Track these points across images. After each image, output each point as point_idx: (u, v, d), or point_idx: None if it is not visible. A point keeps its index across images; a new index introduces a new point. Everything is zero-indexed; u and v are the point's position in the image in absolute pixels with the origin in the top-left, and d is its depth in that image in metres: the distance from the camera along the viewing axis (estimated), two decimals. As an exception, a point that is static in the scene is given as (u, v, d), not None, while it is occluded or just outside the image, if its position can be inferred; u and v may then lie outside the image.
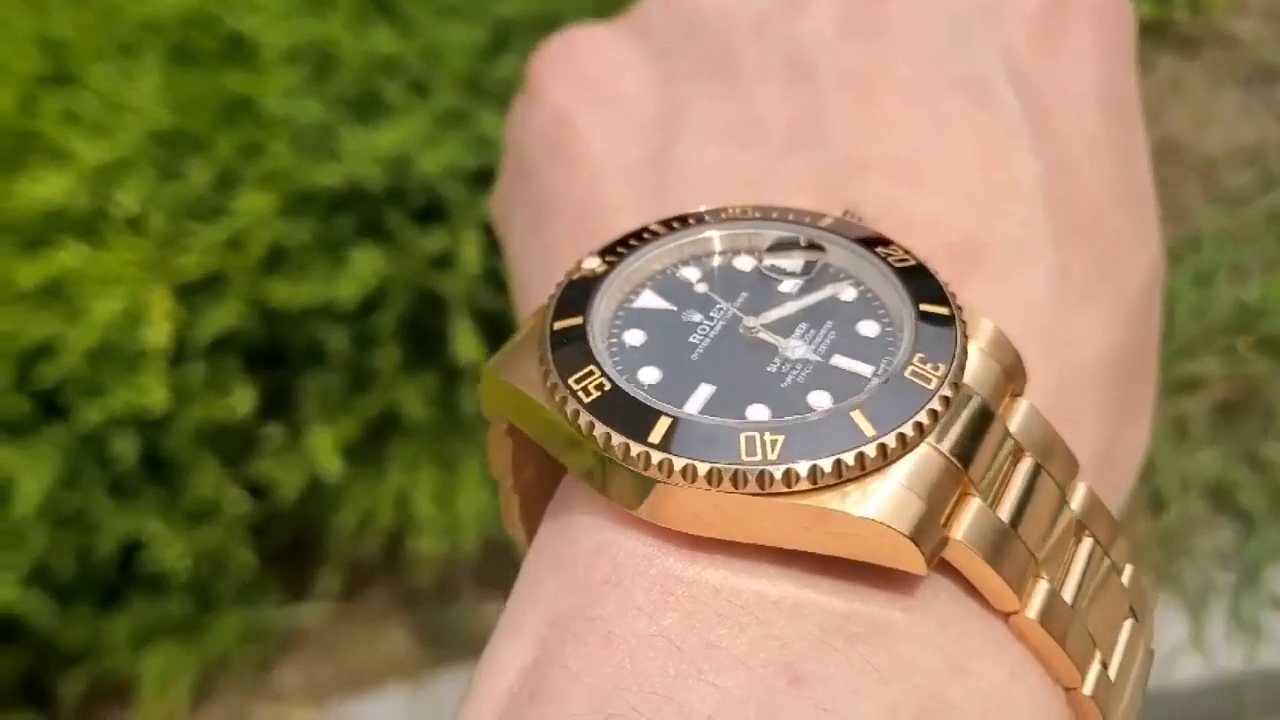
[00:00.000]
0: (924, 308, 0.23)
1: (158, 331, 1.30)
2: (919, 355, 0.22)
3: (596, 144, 0.29)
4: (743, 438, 0.20)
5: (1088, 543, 0.24)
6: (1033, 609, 0.21)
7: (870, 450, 0.20)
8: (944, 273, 0.24)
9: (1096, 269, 0.27)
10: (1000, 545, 0.21)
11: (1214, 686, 1.50)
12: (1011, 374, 0.23)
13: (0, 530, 1.36)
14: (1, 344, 1.31)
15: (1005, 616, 0.22)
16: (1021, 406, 0.23)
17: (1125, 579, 0.25)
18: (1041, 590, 0.22)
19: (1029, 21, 0.29)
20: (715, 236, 0.25)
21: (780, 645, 0.20)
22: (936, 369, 0.22)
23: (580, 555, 0.22)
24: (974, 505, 0.21)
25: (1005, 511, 0.22)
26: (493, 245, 1.37)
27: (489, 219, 0.35)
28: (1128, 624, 0.24)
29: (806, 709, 0.19)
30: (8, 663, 1.45)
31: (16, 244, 1.34)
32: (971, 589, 0.21)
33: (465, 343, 1.38)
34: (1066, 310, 0.26)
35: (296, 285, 1.36)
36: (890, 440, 0.21)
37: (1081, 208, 0.27)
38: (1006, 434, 0.23)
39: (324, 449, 1.43)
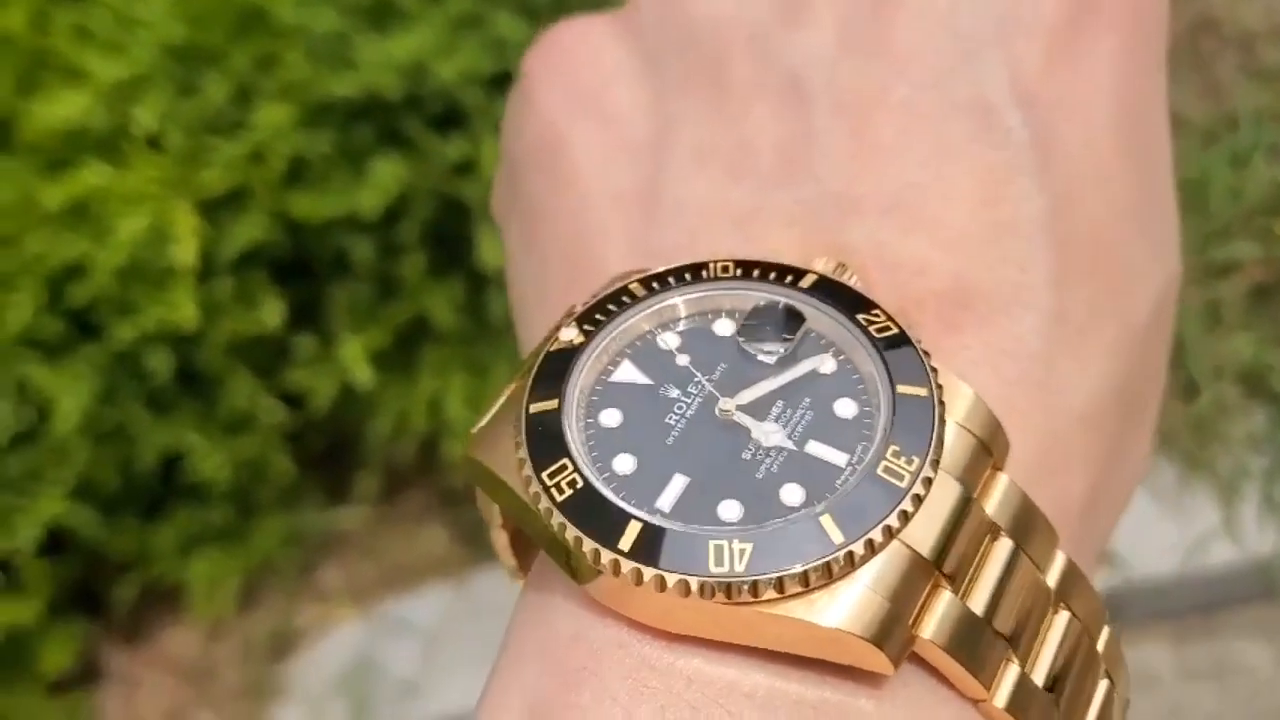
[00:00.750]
0: (901, 389, 0.22)
1: (184, 248, 1.31)
2: (893, 448, 0.22)
3: (586, 166, 0.28)
4: (711, 547, 0.20)
5: (1063, 616, 0.24)
6: (1001, 697, 0.22)
7: (839, 559, 0.20)
8: (930, 322, 0.24)
9: (1098, 305, 0.26)
10: (969, 637, 0.21)
11: (1246, 570, 1.52)
12: (992, 446, 0.23)
13: (44, 447, 1.39)
14: (32, 265, 1.32)
15: (975, 702, 0.22)
16: (1000, 483, 0.23)
17: (1101, 643, 0.24)
18: (1011, 675, 0.22)
19: (1047, 33, 0.27)
20: (695, 299, 0.25)
21: None
22: (910, 462, 0.21)
23: (559, 640, 0.22)
24: (944, 598, 0.21)
25: (978, 600, 0.22)
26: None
27: (492, 212, 0.34)
28: (1102, 686, 0.24)
29: None
30: (61, 573, 1.50)
31: (39, 165, 1.34)
32: (938, 677, 0.22)
33: (490, 248, 1.38)
34: (1060, 356, 0.25)
35: (319, 197, 1.36)
36: (859, 548, 0.21)
37: (1087, 242, 0.26)
38: (983, 517, 0.22)
39: (355, 357, 1.44)
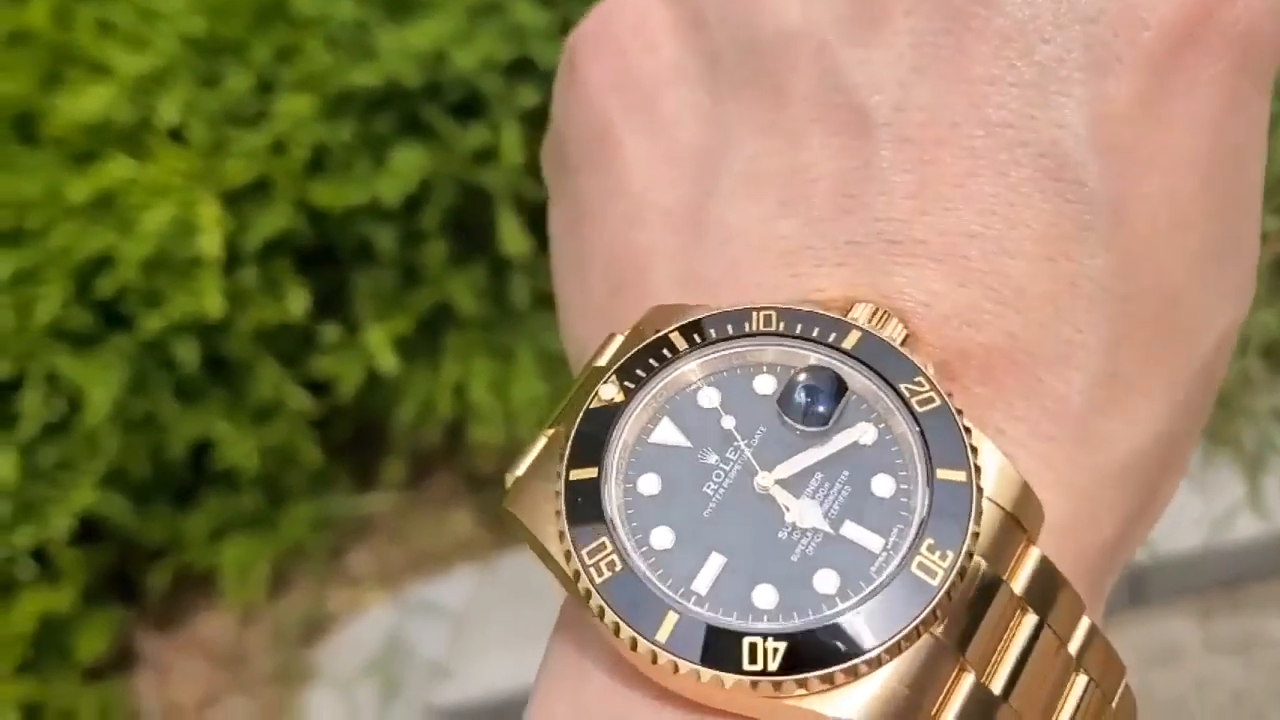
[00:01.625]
0: (940, 475, 0.22)
1: (209, 239, 1.32)
2: (928, 541, 0.22)
3: (637, 172, 0.27)
4: (746, 645, 0.21)
5: (1082, 680, 0.24)
6: None
7: (864, 664, 0.21)
8: (974, 374, 0.24)
9: (1154, 357, 0.25)
10: (985, 718, 0.22)
11: (1271, 544, 1.51)
12: (1024, 519, 0.23)
13: (75, 437, 1.41)
14: (60, 258, 1.34)
15: None
16: (1032, 557, 0.23)
17: (1115, 703, 0.25)
18: None
19: (1143, 69, 0.25)
20: (738, 353, 0.24)
21: None
22: (944, 558, 0.22)
23: (587, 698, 0.22)
24: (967, 683, 0.22)
25: (1000, 680, 0.22)
26: (532, 137, 1.37)
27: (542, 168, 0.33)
28: None
29: None
30: (95, 561, 1.52)
31: (64, 159, 1.36)
32: None
33: (511, 235, 1.39)
34: (1104, 414, 0.24)
35: (341, 186, 1.37)
36: (885, 654, 0.21)
37: (1152, 296, 0.25)
38: (1011, 598, 0.23)
39: (379, 344, 1.46)
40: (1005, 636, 0.22)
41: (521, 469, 0.24)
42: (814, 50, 0.26)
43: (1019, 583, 0.23)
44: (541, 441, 0.24)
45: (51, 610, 1.45)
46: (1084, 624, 0.24)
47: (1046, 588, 0.23)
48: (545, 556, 0.23)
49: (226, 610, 1.64)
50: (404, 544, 1.69)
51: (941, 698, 0.21)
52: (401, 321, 1.47)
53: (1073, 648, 0.24)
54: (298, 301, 1.42)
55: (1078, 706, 0.23)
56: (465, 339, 1.51)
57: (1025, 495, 0.23)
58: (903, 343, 0.24)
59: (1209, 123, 0.25)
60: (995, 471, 0.23)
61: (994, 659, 0.22)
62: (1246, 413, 1.60)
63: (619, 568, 0.22)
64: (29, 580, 1.45)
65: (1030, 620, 0.23)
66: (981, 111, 0.25)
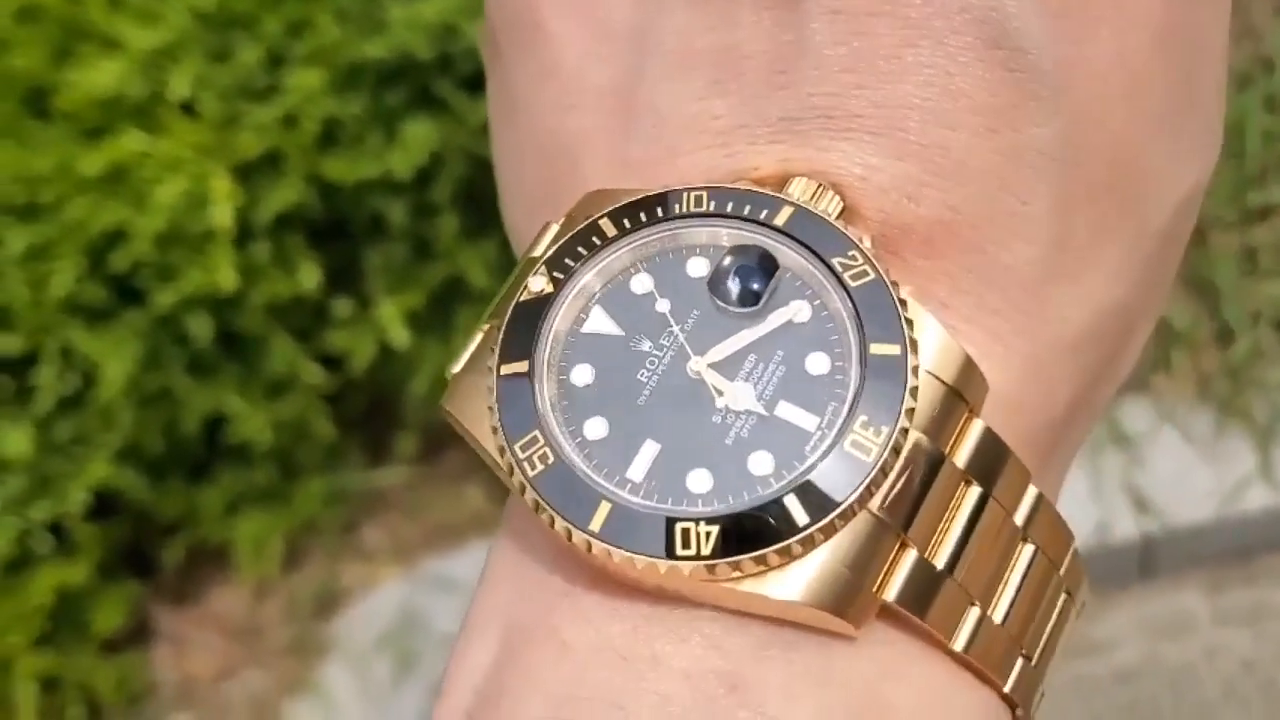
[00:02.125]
0: (874, 350, 0.22)
1: (221, 212, 1.33)
2: (862, 418, 0.22)
3: (567, 58, 0.27)
4: (679, 529, 0.21)
5: (1029, 550, 0.24)
6: (960, 640, 0.22)
7: (797, 544, 0.21)
8: (916, 248, 0.23)
9: (1107, 223, 0.24)
10: (932, 594, 0.22)
11: (1282, 514, 1.52)
12: (966, 392, 0.23)
13: (90, 412, 1.41)
14: (74, 232, 1.34)
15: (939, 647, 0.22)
16: (975, 430, 0.23)
17: (1063, 569, 0.25)
18: (971, 619, 0.23)
19: None
20: (668, 236, 0.24)
21: (720, 655, 0.21)
22: (878, 434, 0.21)
23: (538, 565, 0.23)
24: (909, 559, 0.22)
25: (943, 556, 0.22)
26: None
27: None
28: (1060, 601, 0.25)
29: (744, 714, 0.20)
30: (111, 535, 1.53)
31: (77, 133, 1.36)
32: (901, 618, 0.22)
33: (523, 208, 1.39)
34: (1054, 286, 0.24)
35: (352, 159, 1.37)
36: (818, 534, 0.21)
37: (1105, 160, 0.24)
38: (953, 472, 0.22)
39: (392, 319, 1.46)
40: (949, 511, 0.22)
41: (459, 365, 0.24)
42: None
43: (962, 456, 0.23)
44: (478, 337, 0.24)
45: (68, 584, 1.45)
46: (1030, 494, 0.24)
47: (990, 460, 0.23)
48: (482, 452, 0.23)
49: (241, 584, 1.65)
50: (417, 518, 1.70)
51: (882, 575, 0.22)
52: (413, 295, 1.47)
53: (1019, 518, 0.24)
54: (310, 275, 1.43)
55: (1024, 575, 0.24)
56: (477, 312, 1.51)
57: (967, 368, 0.22)
58: (838, 216, 0.23)
59: None
60: (935, 345, 0.22)
61: (937, 534, 0.22)
62: (1257, 384, 1.60)
63: (551, 460, 0.22)
64: (46, 554, 1.45)
65: (974, 493, 0.23)
66: None
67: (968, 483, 0.23)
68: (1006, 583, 0.23)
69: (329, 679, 1.59)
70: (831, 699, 0.21)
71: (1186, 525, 1.53)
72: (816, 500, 0.21)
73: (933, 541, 0.22)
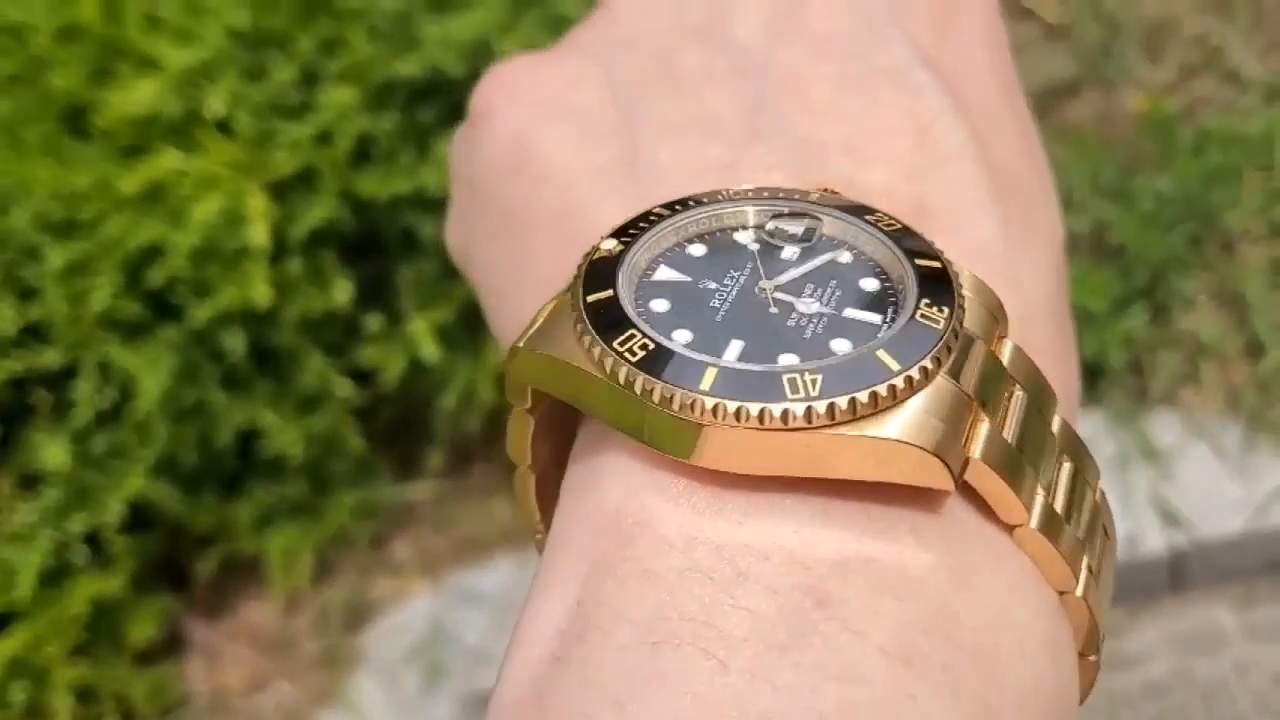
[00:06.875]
0: (919, 263, 0.25)
1: (257, 229, 1.35)
2: (924, 301, 0.24)
3: (561, 156, 0.30)
4: (785, 379, 0.22)
5: (1068, 466, 0.26)
6: (1034, 520, 0.24)
7: (899, 382, 0.22)
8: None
9: (1027, 220, 0.29)
10: (1011, 463, 0.23)
11: (1313, 528, 1.51)
12: (996, 317, 0.25)
13: (127, 426, 1.43)
14: (111, 249, 1.36)
15: (1010, 530, 0.24)
16: (1008, 346, 0.26)
17: (1097, 497, 0.27)
18: (1039, 503, 0.24)
19: (930, 15, 0.32)
20: (718, 214, 0.27)
21: (804, 570, 0.22)
22: (941, 311, 0.24)
23: (609, 503, 0.23)
24: (985, 429, 0.23)
25: (1009, 436, 0.24)
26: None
27: (447, 246, 0.36)
28: (1100, 538, 0.26)
29: (831, 628, 0.21)
30: (145, 547, 1.55)
31: (115, 151, 1.38)
32: (973, 508, 0.23)
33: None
34: (1014, 256, 0.28)
35: (385, 176, 1.39)
36: (914, 373, 0.22)
37: (1002, 170, 0.30)
38: (1003, 369, 0.25)
39: (422, 334, 1.48)
40: (1004, 403, 0.24)
41: (528, 334, 0.25)
42: (690, 34, 0.32)
43: (1003, 360, 0.25)
44: (545, 313, 0.25)
45: (104, 595, 1.47)
46: (1059, 419, 0.26)
47: (1027, 370, 0.25)
48: (562, 378, 0.24)
49: (272, 597, 1.66)
50: (446, 532, 1.70)
51: (966, 436, 0.23)
52: (444, 311, 1.49)
53: (1055, 433, 0.26)
54: (342, 291, 1.44)
55: (1070, 486, 0.25)
56: (507, 327, 1.52)
57: (994, 298, 0.26)
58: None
59: (988, 54, 0.33)
60: (963, 277, 0.25)
61: (1000, 416, 0.24)
62: (1287, 398, 1.59)
63: (651, 347, 0.23)
64: (82, 566, 1.47)
65: (1020, 394, 0.25)
66: (831, 54, 0.31)
67: (1011, 387, 0.25)
68: (1059, 483, 0.25)
69: (358, 691, 1.59)
70: (907, 613, 0.22)
71: (1216, 539, 1.52)
72: (903, 354, 0.23)
73: (999, 419, 0.24)
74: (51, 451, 1.40)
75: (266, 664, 1.64)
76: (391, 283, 1.51)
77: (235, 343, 1.42)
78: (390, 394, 1.56)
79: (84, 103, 1.39)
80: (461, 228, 0.34)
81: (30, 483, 1.46)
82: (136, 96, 1.35)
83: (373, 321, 1.51)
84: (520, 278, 0.30)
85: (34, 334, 1.41)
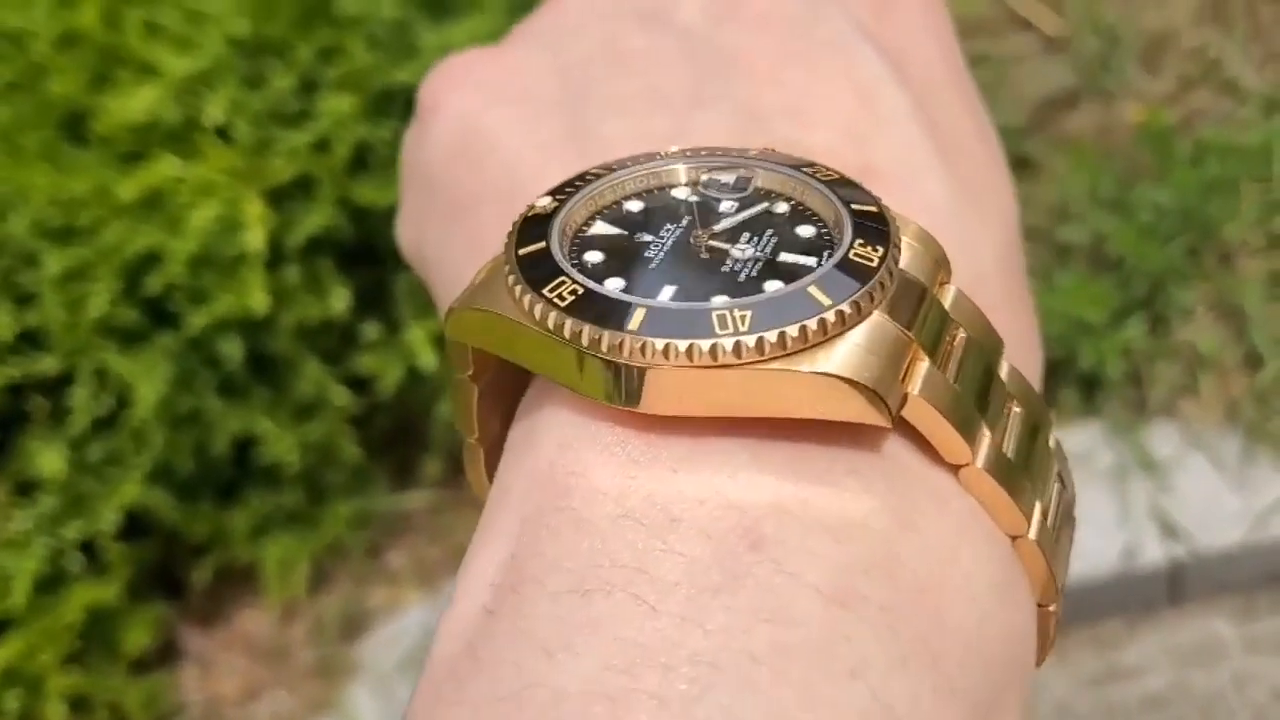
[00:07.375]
0: (856, 208, 0.25)
1: (254, 236, 1.35)
2: (859, 241, 0.24)
3: (507, 135, 0.30)
4: (714, 316, 0.22)
5: (1018, 410, 0.25)
6: (980, 459, 0.23)
7: (830, 316, 0.22)
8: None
9: (975, 184, 0.30)
10: (953, 401, 0.23)
11: (1312, 540, 1.51)
12: (940, 264, 0.25)
13: (122, 433, 1.43)
14: (109, 256, 1.36)
15: (955, 470, 0.23)
16: (951, 291, 0.25)
17: (1050, 443, 0.26)
18: (986, 443, 0.23)
19: (864, 2, 0.33)
20: (655, 171, 0.27)
21: (739, 513, 0.22)
22: (876, 250, 0.24)
23: (545, 457, 0.23)
24: (924, 367, 0.23)
25: (950, 375, 0.24)
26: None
27: (400, 248, 0.36)
28: (1055, 486, 0.26)
29: (765, 570, 0.21)
30: (140, 555, 1.54)
31: (113, 158, 1.38)
32: (916, 449, 0.23)
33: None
34: (963, 214, 0.28)
35: (383, 184, 1.39)
36: (846, 308, 0.22)
37: (947, 135, 0.30)
38: (943, 310, 0.24)
39: (420, 342, 1.48)
40: (944, 344, 0.24)
41: (459, 301, 0.25)
42: (633, 21, 0.32)
43: (946, 304, 0.25)
44: (481, 275, 0.25)
45: (99, 603, 1.47)
46: (1007, 365, 0.26)
47: (970, 313, 0.25)
48: (492, 329, 0.24)
49: (268, 606, 1.65)
50: (442, 542, 1.70)
51: (904, 374, 0.23)
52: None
53: (1003, 378, 0.25)
54: (340, 299, 1.44)
55: (1020, 430, 0.25)
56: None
57: (937, 246, 0.25)
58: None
59: (929, 31, 0.33)
60: (905, 225, 0.25)
61: (941, 355, 0.24)
62: (1286, 409, 1.59)
63: (581, 292, 0.23)
64: (77, 573, 1.47)
65: (963, 335, 0.25)
66: (772, 31, 0.32)
67: (954, 330, 0.24)
68: (1009, 427, 0.25)
69: (354, 700, 1.59)
70: (845, 555, 0.21)
71: (1215, 551, 1.52)
72: (836, 290, 0.23)
73: (939, 358, 0.24)
74: (47, 458, 1.40)
75: (261, 673, 1.63)
76: (389, 291, 1.51)
77: (232, 350, 1.41)
78: (387, 402, 1.56)
79: (83, 109, 1.39)
80: (413, 224, 0.34)
81: (26, 490, 1.46)
82: (135, 103, 1.35)
83: (370, 329, 1.51)
84: (470, 258, 0.30)
85: (31, 340, 1.41)
